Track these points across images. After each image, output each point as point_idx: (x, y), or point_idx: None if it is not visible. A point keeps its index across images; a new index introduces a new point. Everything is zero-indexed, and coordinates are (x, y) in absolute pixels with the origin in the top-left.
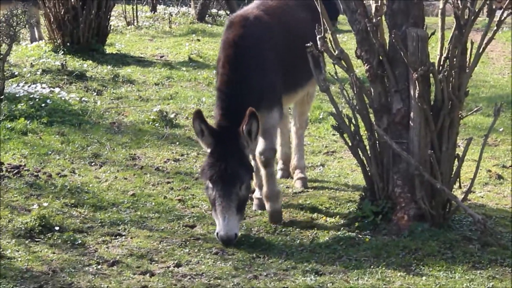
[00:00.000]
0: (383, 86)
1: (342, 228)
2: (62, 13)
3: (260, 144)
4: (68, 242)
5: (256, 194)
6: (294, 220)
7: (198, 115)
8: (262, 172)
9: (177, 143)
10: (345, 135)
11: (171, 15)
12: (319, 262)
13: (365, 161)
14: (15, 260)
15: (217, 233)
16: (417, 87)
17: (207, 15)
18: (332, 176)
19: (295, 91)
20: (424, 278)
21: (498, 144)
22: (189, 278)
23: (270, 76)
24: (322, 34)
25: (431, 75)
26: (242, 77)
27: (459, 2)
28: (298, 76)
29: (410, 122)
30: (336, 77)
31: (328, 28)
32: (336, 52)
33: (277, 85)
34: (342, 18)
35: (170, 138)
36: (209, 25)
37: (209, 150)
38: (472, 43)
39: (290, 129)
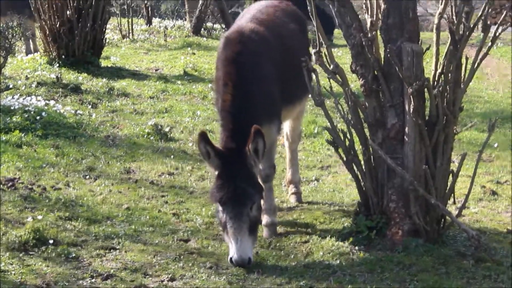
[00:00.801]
0: (378, 100)
1: (336, 243)
2: (57, 25)
3: (263, 162)
4: (62, 255)
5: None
6: (288, 235)
7: (203, 137)
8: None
9: (172, 156)
10: (339, 150)
11: (166, 29)
12: (313, 277)
13: (359, 176)
14: (9, 273)
15: (231, 258)
16: (412, 102)
17: (202, 29)
18: (327, 191)
19: (293, 104)
20: None
21: (492, 160)
22: None
23: (271, 91)
24: (318, 49)
25: (426, 90)
26: (245, 95)
27: (454, 17)
28: (295, 89)
29: (405, 137)
30: (331, 92)
31: (323, 42)
32: (331, 66)
33: (278, 100)
34: (337, 32)
35: (164, 152)
36: (204, 39)
37: (216, 172)
38: (466, 58)
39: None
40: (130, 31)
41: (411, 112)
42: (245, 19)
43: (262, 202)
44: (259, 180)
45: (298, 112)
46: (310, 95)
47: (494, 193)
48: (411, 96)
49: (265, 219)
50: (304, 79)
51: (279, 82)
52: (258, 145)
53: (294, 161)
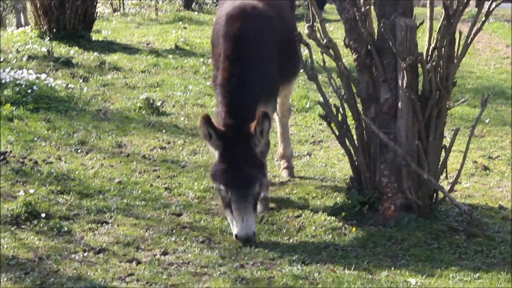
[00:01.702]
0: (371, 75)
1: (328, 218)
2: None
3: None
4: (54, 229)
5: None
6: (280, 210)
7: (206, 120)
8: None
9: (164, 131)
10: (332, 124)
11: (158, 2)
12: (305, 251)
13: (352, 151)
14: (1, 247)
15: (236, 235)
16: (405, 77)
17: (193, 3)
18: (319, 165)
19: (288, 82)
20: (410, 268)
21: (484, 135)
22: (176, 267)
23: (270, 69)
24: (311, 23)
25: (419, 65)
26: (245, 72)
27: None
28: (290, 66)
29: (398, 112)
30: (323, 66)
31: (317, 17)
32: (325, 41)
33: (276, 77)
34: (328, 7)
35: (156, 126)
36: (196, 13)
37: (217, 153)
38: (460, 33)
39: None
40: (121, 5)
41: (404, 87)
42: None
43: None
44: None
45: (289, 89)
46: (302, 70)
47: (486, 168)
48: (404, 71)
49: (283, 163)
50: (297, 56)
51: (277, 61)
52: (264, 127)
53: (286, 135)
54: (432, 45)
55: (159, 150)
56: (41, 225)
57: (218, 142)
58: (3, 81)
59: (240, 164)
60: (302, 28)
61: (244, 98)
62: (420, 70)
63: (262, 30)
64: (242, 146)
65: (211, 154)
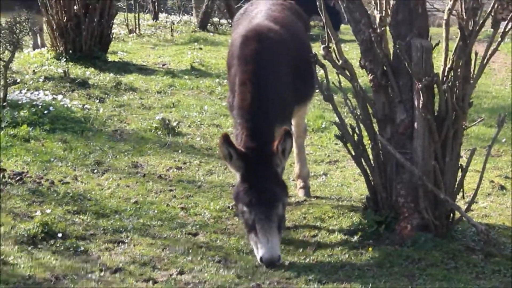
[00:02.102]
0: (387, 96)
1: (345, 238)
2: (64, 20)
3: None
4: (71, 249)
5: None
6: (297, 229)
7: (226, 139)
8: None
9: (180, 151)
10: (348, 145)
11: (173, 24)
12: (322, 271)
13: (368, 171)
14: (17, 266)
15: (261, 257)
16: (421, 98)
17: (209, 24)
18: (335, 185)
19: (303, 103)
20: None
21: (501, 155)
22: (192, 286)
23: (286, 92)
24: (326, 44)
25: (435, 85)
26: (264, 95)
27: (463, 13)
28: (305, 88)
29: (414, 132)
30: (339, 87)
31: (332, 38)
32: (340, 61)
33: (291, 99)
34: (344, 28)
35: (172, 146)
36: (211, 34)
37: (238, 174)
38: (476, 54)
39: None
40: (137, 26)
41: (420, 107)
42: (259, 16)
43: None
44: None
45: (304, 110)
46: (318, 90)
47: (502, 187)
48: (420, 92)
49: (300, 183)
50: (312, 77)
51: (293, 82)
52: (287, 145)
53: (302, 155)
54: (448, 65)
55: (175, 170)
56: (58, 245)
57: (239, 162)
58: (19, 102)
59: (263, 184)
60: (318, 49)
61: (263, 120)
62: (436, 90)
63: (278, 51)
64: (264, 166)
65: (227, 174)
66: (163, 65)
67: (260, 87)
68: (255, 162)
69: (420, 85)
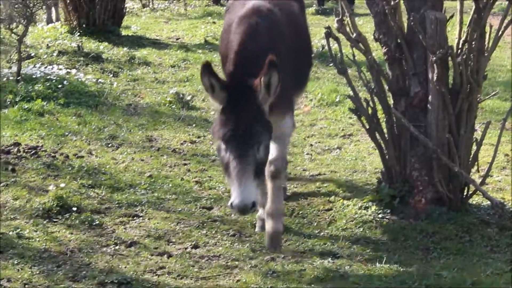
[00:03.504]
0: (401, 69)
1: (359, 211)
2: None
3: (271, 152)
4: (86, 222)
5: (260, 214)
6: (311, 203)
7: (207, 69)
8: (269, 185)
9: (194, 125)
10: (362, 118)
11: None
12: (336, 245)
13: (382, 144)
14: (33, 240)
15: (231, 203)
16: (435, 70)
17: None
18: (349, 159)
19: (300, 90)
20: (441, 261)
21: None
22: (207, 260)
23: (284, 74)
24: (340, 17)
25: (449, 58)
26: (258, 45)
27: None
28: (304, 76)
29: (428, 105)
30: (353, 60)
31: (346, 11)
32: (354, 34)
33: (290, 86)
34: (358, 1)
35: (186, 120)
36: (225, 8)
37: (220, 107)
38: (490, 26)
39: None
40: (150, 0)
41: (434, 80)
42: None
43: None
44: (266, 176)
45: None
46: (332, 64)
47: None
48: (434, 64)
49: (269, 225)
50: (306, 71)
51: (292, 68)
52: (272, 79)
53: (277, 192)
54: (462, 38)
55: (189, 144)
56: (73, 219)
57: (222, 94)
58: (34, 77)
59: (243, 118)
60: (332, 22)
61: (255, 58)
62: (450, 63)
63: (278, 34)
64: (247, 100)
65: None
66: (177, 39)
67: (255, 43)
68: (239, 95)
69: (434, 58)
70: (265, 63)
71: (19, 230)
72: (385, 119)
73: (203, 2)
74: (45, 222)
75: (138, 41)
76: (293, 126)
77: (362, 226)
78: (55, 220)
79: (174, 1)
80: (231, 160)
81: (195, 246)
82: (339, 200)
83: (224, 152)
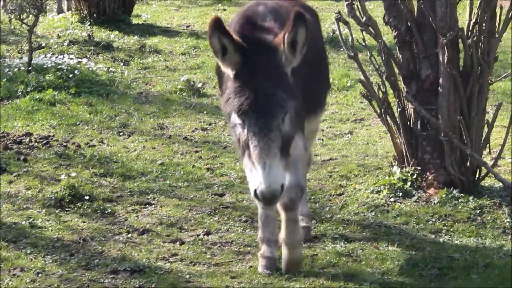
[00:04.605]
0: (411, 52)
1: (371, 196)
2: None
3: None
4: (98, 211)
5: (264, 252)
6: (323, 188)
7: (218, 27)
8: (282, 216)
9: (205, 112)
10: (373, 102)
11: None
12: (348, 229)
13: (393, 128)
14: (45, 229)
15: (255, 190)
16: (446, 53)
17: None
18: (361, 143)
19: (315, 113)
20: (454, 244)
21: None
22: (219, 246)
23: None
24: (350, 1)
25: (460, 40)
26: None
27: None
28: (318, 96)
29: (439, 88)
30: (364, 44)
31: None
32: (364, 18)
33: (301, 104)
34: None
35: (197, 108)
36: None
37: (233, 73)
38: (501, 8)
39: None
40: None
41: (445, 63)
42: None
43: (260, 235)
44: (279, 208)
45: (311, 130)
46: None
47: None
48: (445, 47)
49: (286, 253)
50: (322, 88)
51: (303, 86)
52: (298, 36)
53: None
54: (473, 20)
55: (200, 131)
56: (85, 207)
57: (235, 56)
58: (45, 66)
59: (263, 84)
60: (342, 7)
61: (266, 10)
62: (461, 45)
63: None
64: (268, 61)
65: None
66: (187, 26)
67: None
68: (255, 56)
69: (444, 40)
70: (290, 17)
71: (31, 219)
72: (396, 103)
73: None
74: (57, 211)
75: (148, 30)
76: (306, 150)
77: (374, 210)
78: (67, 209)
79: None
80: (250, 137)
81: (207, 233)
82: (351, 184)
83: (240, 128)
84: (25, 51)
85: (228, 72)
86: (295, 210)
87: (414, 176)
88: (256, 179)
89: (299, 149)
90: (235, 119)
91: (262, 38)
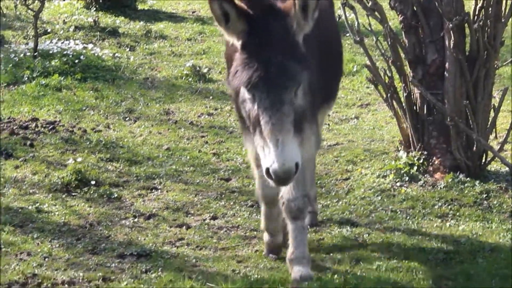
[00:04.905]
0: (417, 37)
1: (377, 180)
2: None
3: (290, 186)
4: (104, 196)
5: (268, 239)
6: (329, 173)
7: None
8: (289, 226)
9: (211, 97)
10: (379, 87)
11: None
12: (354, 213)
13: (399, 113)
14: (52, 214)
15: (267, 168)
16: (452, 37)
17: None
18: (367, 128)
19: (328, 104)
20: (460, 228)
21: None
22: (225, 231)
23: (312, 81)
24: None
25: (466, 25)
26: None
27: None
28: (330, 87)
29: (445, 72)
30: (370, 29)
31: None
32: (370, 3)
33: (313, 94)
34: None
35: (203, 93)
36: None
37: (239, 43)
38: None
39: None
40: None
41: (451, 47)
42: None
43: (263, 224)
44: (285, 216)
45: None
46: (348, 33)
47: None
48: (451, 31)
49: (294, 272)
50: (334, 77)
51: (316, 73)
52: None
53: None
54: (479, 4)
55: (206, 116)
56: (91, 192)
57: (240, 24)
58: (50, 52)
59: (273, 53)
60: None
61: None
62: (467, 30)
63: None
64: (277, 29)
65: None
66: (193, 12)
67: None
68: (263, 23)
69: (450, 25)
70: None
71: (38, 204)
72: (402, 88)
73: None
74: (64, 196)
75: (154, 15)
76: (317, 147)
77: (380, 195)
78: (74, 194)
79: None
80: (261, 113)
81: (214, 217)
82: (357, 169)
83: (250, 103)
84: (31, 37)
85: (234, 42)
86: (303, 219)
87: (420, 161)
88: (269, 158)
89: (310, 148)
90: (244, 93)
91: (270, 3)
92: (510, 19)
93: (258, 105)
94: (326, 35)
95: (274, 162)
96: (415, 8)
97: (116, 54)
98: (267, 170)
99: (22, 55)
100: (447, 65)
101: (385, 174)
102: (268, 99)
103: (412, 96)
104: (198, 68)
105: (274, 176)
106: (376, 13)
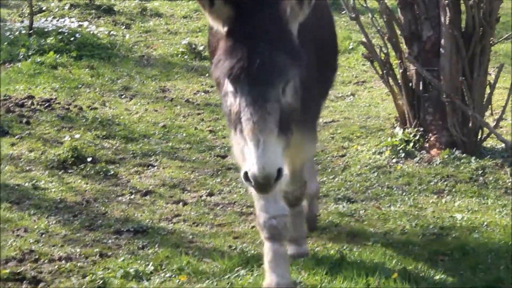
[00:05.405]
0: (413, 13)
1: (373, 157)
2: None
3: (290, 178)
4: (101, 173)
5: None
6: (325, 149)
7: None
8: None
9: (206, 75)
10: (375, 64)
11: None
12: (351, 190)
13: (395, 90)
14: (49, 191)
15: (246, 173)
16: (448, 14)
17: None
18: (363, 105)
19: (323, 100)
20: (456, 204)
21: None
22: (222, 207)
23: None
24: None
25: (461, 1)
26: None
27: None
28: (325, 81)
29: (441, 49)
30: (366, 6)
31: None
32: None
33: (315, 85)
34: None
35: (199, 71)
36: None
37: (224, 30)
38: None
39: None
40: None
41: (446, 24)
42: None
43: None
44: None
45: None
46: (344, 11)
47: None
48: (446, 8)
49: (291, 249)
50: (329, 71)
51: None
52: None
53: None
54: None
55: (202, 93)
56: (88, 169)
57: (226, 8)
58: (46, 30)
59: (261, 44)
60: None
61: None
62: (462, 6)
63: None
64: (267, 16)
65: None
66: None
67: None
68: (251, 9)
69: (446, 1)
70: None
71: (35, 181)
72: (398, 65)
73: None
74: (60, 173)
75: None
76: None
77: (377, 171)
78: (70, 171)
79: None
80: (243, 109)
81: (210, 194)
82: (353, 146)
83: (232, 97)
84: (26, 15)
85: (219, 29)
86: (300, 205)
87: (416, 137)
88: (247, 160)
89: (311, 147)
90: (227, 86)
91: None
92: None
93: (239, 100)
94: (321, 25)
95: (253, 165)
96: None
97: (112, 32)
98: (245, 174)
99: (17, 33)
100: (442, 41)
101: (381, 150)
102: (251, 94)
103: (408, 73)
104: (193, 46)
105: (253, 182)
106: None
